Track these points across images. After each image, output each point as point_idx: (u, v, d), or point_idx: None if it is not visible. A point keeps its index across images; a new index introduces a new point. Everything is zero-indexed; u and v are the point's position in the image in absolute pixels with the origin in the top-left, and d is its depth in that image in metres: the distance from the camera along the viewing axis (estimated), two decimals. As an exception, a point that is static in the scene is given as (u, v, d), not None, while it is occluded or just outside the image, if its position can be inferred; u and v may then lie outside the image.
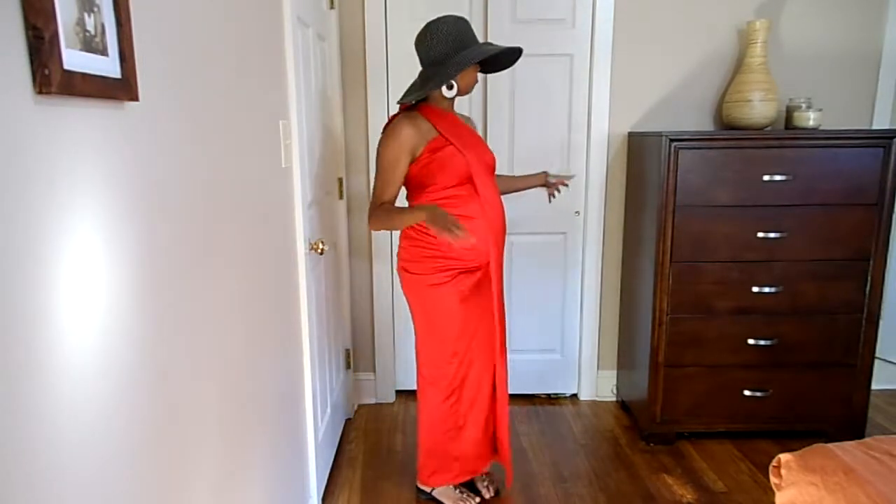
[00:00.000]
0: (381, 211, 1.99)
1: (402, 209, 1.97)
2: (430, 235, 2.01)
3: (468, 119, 2.24)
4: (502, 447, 2.26)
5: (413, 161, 1.99)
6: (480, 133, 2.69)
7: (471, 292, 2.09)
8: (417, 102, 2.05)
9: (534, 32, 2.83)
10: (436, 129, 1.99)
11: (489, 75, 2.83)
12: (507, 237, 2.95)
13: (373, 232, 2.97)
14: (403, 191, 2.09)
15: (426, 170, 1.98)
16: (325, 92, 2.49)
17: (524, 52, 2.81)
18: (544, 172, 2.36)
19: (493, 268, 2.10)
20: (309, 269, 2.06)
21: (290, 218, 1.92)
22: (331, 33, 2.63)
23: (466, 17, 2.83)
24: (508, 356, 3.08)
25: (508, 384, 2.28)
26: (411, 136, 1.96)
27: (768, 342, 2.60)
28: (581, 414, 3.03)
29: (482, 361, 2.17)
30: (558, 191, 2.34)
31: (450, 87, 1.99)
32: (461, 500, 2.26)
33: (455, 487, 2.29)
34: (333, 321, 2.61)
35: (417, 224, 2.00)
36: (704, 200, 2.50)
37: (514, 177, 2.41)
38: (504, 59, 2.11)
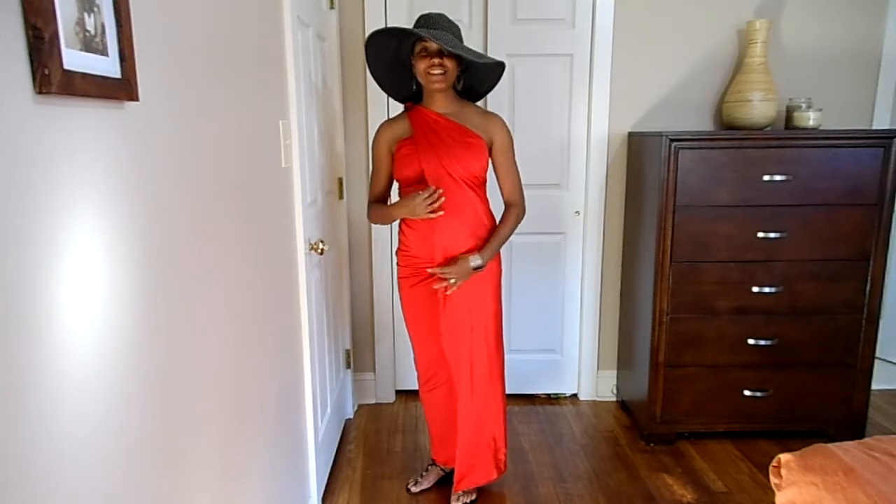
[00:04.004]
0: (374, 209, 2.18)
1: (389, 206, 2.15)
2: (402, 232, 2.16)
3: (486, 111, 2.15)
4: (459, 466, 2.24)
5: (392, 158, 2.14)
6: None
7: (423, 301, 2.15)
8: (415, 103, 2.12)
9: (534, 32, 2.83)
10: (412, 129, 2.06)
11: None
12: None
13: (373, 232, 2.98)
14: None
15: (395, 165, 2.11)
16: (325, 92, 2.49)
17: (525, 53, 2.85)
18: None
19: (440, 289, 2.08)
20: (309, 269, 2.06)
21: (290, 218, 1.92)
22: (331, 33, 2.63)
23: (464, 18, 2.84)
24: (508, 356, 3.11)
25: (473, 418, 2.19)
26: (384, 137, 2.12)
27: (768, 342, 2.60)
28: (581, 414, 3.03)
29: (439, 376, 2.25)
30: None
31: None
32: (414, 482, 2.39)
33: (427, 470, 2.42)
34: (333, 321, 2.61)
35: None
36: (704, 200, 2.50)
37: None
38: (484, 74, 2.07)
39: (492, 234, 2.09)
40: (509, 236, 2.13)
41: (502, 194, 2.17)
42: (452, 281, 2.03)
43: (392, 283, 3.02)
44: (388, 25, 2.00)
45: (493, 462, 2.24)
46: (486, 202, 2.11)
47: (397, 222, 2.19)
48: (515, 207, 2.13)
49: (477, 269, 2.03)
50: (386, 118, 2.79)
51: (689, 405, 2.67)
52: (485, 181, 2.10)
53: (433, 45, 1.91)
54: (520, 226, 3.03)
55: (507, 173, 2.13)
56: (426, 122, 2.04)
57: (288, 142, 1.86)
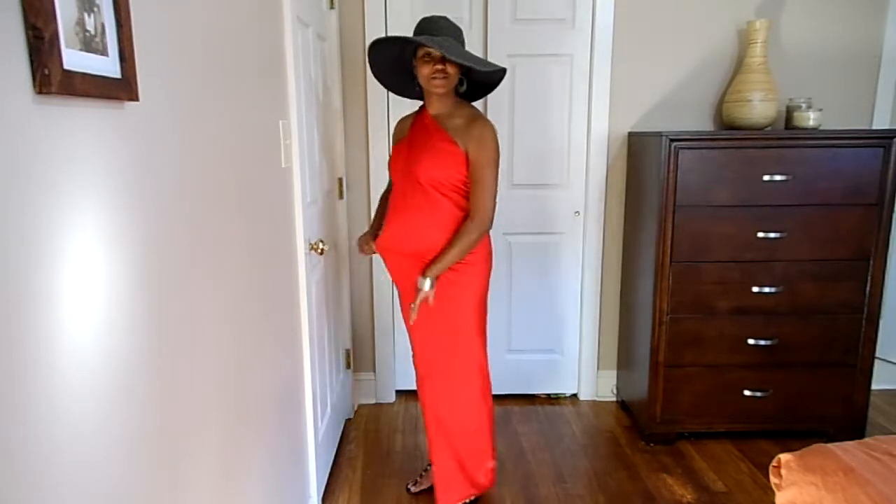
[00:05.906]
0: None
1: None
2: None
3: (475, 119, 2.03)
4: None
5: None
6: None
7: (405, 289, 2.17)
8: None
9: (534, 32, 2.83)
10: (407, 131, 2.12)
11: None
12: (504, 238, 2.98)
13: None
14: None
15: None
16: (325, 92, 2.49)
17: (525, 53, 2.85)
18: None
19: (398, 283, 2.16)
20: (309, 269, 2.06)
21: (290, 218, 1.92)
22: (331, 33, 2.63)
23: (464, 17, 2.84)
24: (508, 356, 3.12)
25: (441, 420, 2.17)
26: (395, 133, 2.23)
27: (768, 342, 2.60)
28: (581, 414, 3.03)
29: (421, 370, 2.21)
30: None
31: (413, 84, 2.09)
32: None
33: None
34: (333, 321, 2.61)
35: None
36: (704, 200, 2.50)
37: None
38: (485, 76, 2.06)
39: (439, 252, 1.98)
40: (459, 255, 1.97)
41: None
42: (414, 307, 2.00)
43: (392, 283, 3.02)
44: (391, 34, 2.05)
45: (463, 476, 2.18)
46: (458, 208, 2.00)
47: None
48: (469, 221, 1.96)
49: (431, 287, 1.98)
50: (386, 117, 2.83)
51: (689, 405, 2.67)
52: (458, 189, 1.99)
53: (436, 52, 1.92)
54: (520, 226, 3.04)
55: (474, 186, 1.97)
56: (418, 123, 2.09)
57: (288, 142, 1.86)
